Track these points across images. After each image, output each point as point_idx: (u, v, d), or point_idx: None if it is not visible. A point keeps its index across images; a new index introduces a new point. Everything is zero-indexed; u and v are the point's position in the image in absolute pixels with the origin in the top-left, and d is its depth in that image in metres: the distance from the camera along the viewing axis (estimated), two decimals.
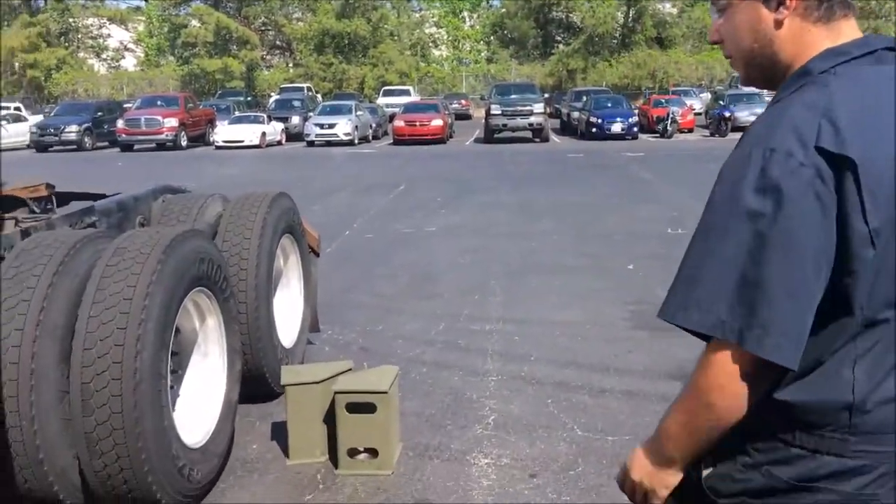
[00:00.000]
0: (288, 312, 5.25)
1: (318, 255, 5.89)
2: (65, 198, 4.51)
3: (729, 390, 1.35)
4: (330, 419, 3.96)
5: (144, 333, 3.11)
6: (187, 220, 4.49)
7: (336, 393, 3.82)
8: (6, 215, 3.83)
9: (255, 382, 4.63)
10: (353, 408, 3.80)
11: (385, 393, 3.80)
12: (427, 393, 4.89)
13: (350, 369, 4.16)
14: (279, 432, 4.18)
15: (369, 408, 3.81)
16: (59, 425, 3.13)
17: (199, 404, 3.83)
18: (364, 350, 5.80)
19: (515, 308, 6.80)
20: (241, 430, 4.42)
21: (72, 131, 28.07)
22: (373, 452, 3.87)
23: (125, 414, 3.06)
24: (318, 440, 4.01)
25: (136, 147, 27.40)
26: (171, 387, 3.69)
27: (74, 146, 27.84)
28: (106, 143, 29.24)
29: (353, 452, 3.87)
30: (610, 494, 3.50)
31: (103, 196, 4.67)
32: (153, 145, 27.61)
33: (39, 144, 28.00)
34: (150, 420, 3.14)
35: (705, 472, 1.46)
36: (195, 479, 3.45)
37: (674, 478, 1.49)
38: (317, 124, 28.33)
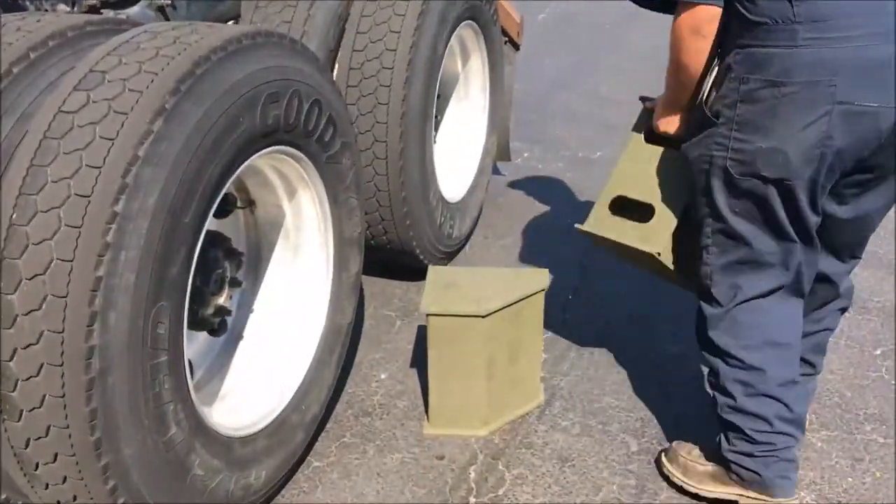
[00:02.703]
0: (460, 141, 3.48)
1: (517, 46, 3.94)
2: None
3: (689, 46, 1.89)
4: (502, 372, 2.30)
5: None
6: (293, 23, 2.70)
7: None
8: None
9: (401, 256, 3.04)
10: None
11: None
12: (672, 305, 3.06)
13: (544, 289, 2.41)
14: (423, 361, 2.57)
15: None
16: None
17: None
18: (575, 186, 3.99)
19: None
20: (368, 341, 2.88)
21: None
22: None
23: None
24: (479, 402, 2.39)
25: None
26: None
27: None
28: None
29: None
30: None
31: None
32: None
33: None
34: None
35: (707, 106, 1.90)
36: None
37: (675, 117, 2.10)
38: None
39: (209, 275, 2.01)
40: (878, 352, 2.79)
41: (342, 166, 2.21)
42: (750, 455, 2.02)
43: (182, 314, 1.65)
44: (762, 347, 1.99)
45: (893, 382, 2.63)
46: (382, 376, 2.68)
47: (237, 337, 2.25)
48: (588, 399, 2.56)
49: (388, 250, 3.00)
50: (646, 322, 2.93)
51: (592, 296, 3.10)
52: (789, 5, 1.69)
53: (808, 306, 2.10)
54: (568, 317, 2.97)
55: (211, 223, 2.17)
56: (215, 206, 1.73)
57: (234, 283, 2.12)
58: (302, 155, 2.05)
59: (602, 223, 2.26)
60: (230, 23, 2.93)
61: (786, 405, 2.00)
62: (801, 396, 2.06)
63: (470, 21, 3.17)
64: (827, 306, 2.20)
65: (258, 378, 2.17)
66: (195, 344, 2.16)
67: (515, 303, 2.32)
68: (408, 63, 2.70)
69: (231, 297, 2.14)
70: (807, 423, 2.41)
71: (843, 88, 1.71)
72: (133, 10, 2.63)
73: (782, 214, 1.87)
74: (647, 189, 2.18)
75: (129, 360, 1.51)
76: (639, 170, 2.20)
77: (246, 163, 1.81)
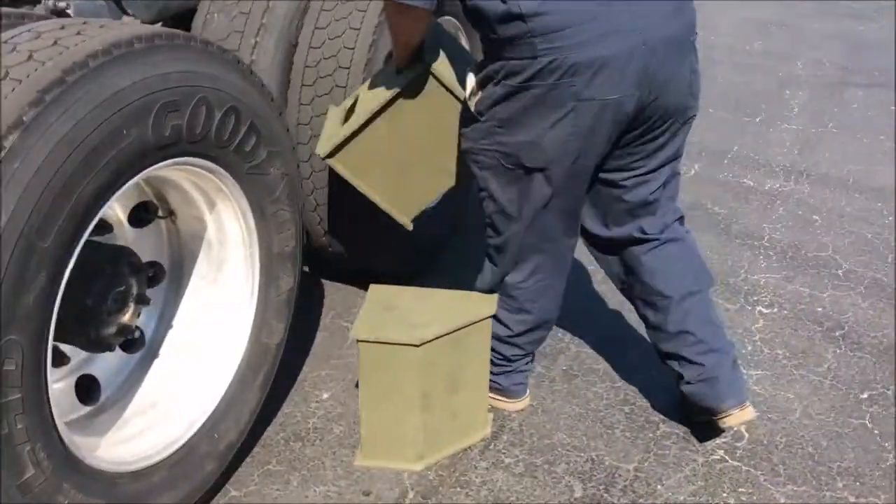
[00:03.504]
0: None
1: None
2: None
3: (399, 25, 2.09)
4: (440, 404, 2.13)
5: None
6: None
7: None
8: None
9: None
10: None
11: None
12: None
13: (490, 316, 2.23)
14: None
15: None
16: None
17: None
18: None
19: None
20: (316, 356, 2.71)
21: None
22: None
23: None
24: (413, 435, 2.22)
25: None
26: None
27: None
28: None
29: None
30: None
31: None
32: None
33: None
34: None
35: (472, 105, 2.09)
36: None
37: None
38: None
39: (107, 293, 1.86)
40: (865, 395, 2.56)
41: (269, 177, 2.04)
42: (493, 373, 2.36)
43: (42, 346, 1.50)
44: (527, 318, 2.32)
45: (876, 432, 2.41)
46: (324, 396, 2.52)
47: (153, 355, 2.11)
48: (538, 434, 2.37)
49: (346, 259, 2.83)
50: (617, 350, 2.72)
51: (564, 319, 2.86)
52: (524, 24, 1.88)
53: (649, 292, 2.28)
54: None
55: (124, 234, 2.06)
56: (91, 225, 1.56)
57: (142, 299, 1.97)
58: (216, 166, 1.88)
59: (333, 112, 2.43)
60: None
61: (521, 346, 2.38)
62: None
63: (448, 17, 2.97)
64: (675, 286, 2.26)
65: (167, 401, 2.02)
66: (103, 362, 2.03)
67: (456, 331, 2.15)
68: (366, 63, 2.51)
69: (139, 315, 1.98)
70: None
71: (583, 87, 1.92)
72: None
73: (546, 195, 2.09)
74: (367, 98, 2.28)
75: None
76: (384, 80, 2.28)
77: (137, 177, 1.65)
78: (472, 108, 2.09)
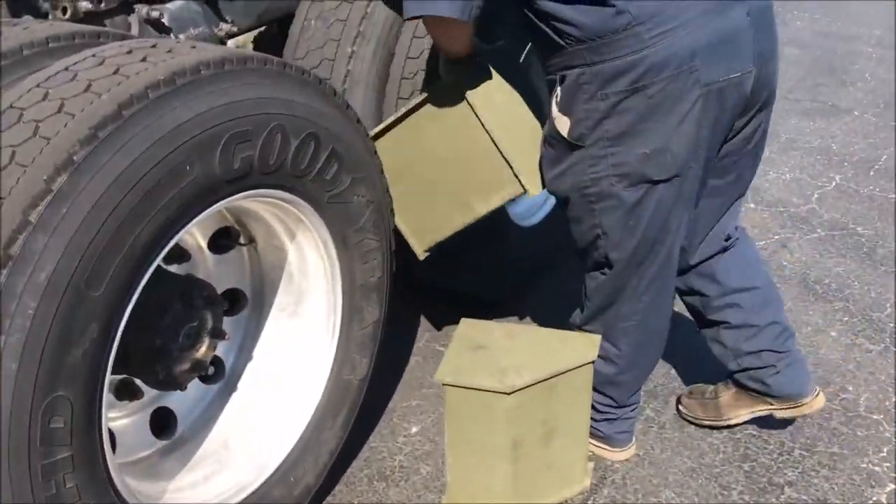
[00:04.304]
0: None
1: None
2: None
3: (446, 41, 1.86)
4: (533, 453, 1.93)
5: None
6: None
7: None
8: None
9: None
10: None
11: None
12: None
13: (591, 362, 2.01)
14: None
15: None
16: None
17: None
18: None
19: None
20: (407, 383, 2.56)
21: None
22: None
23: None
24: (503, 486, 2.03)
25: None
26: None
27: None
28: None
29: None
30: None
31: None
32: None
33: None
34: None
35: (565, 132, 1.81)
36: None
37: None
38: None
39: (178, 329, 1.75)
40: None
41: (353, 205, 1.88)
42: (594, 419, 2.16)
43: (95, 400, 1.39)
44: (633, 352, 2.09)
45: None
46: (413, 430, 2.37)
47: (231, 388, 2.01)
48: (644, 490, 2.14)
49: (437, 280, 2.67)
50: None
51: (678, 357, 2.59)
52: (628, 13, 1.67)
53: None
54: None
55: (204, 260, 1.96)
56: (152, 268, 1.45)
57: (217, 333, 1.85)
58: (294, 196, 1.74)
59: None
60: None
61: (635, 390, 2.19)
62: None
63: None
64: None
65: (240, 440, 1.91)
66: (181, 394, 1.93)
67: (552, 377, 1.94)
68: None
69: (214, 348, 1.87)
70: None
71: (705, 70, 1.72)
72: (175, 5, 2.41)
73: (675, 210, 1.88)
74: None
75: (10, 462, 1.28)
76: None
77: (203, 214, 1.53)
78: (567, 136, 1.82)
